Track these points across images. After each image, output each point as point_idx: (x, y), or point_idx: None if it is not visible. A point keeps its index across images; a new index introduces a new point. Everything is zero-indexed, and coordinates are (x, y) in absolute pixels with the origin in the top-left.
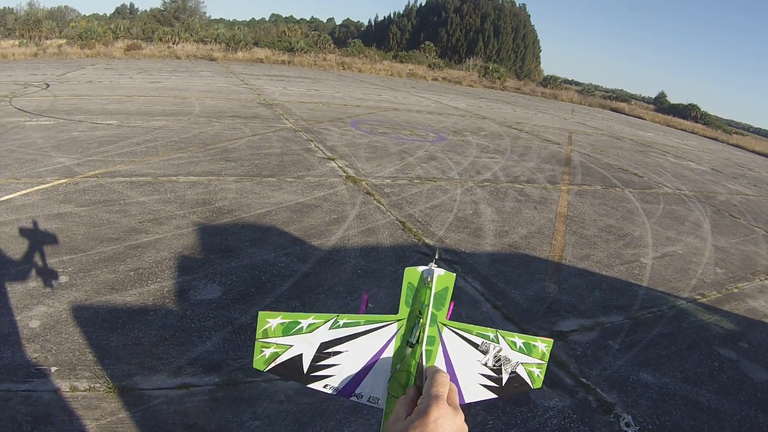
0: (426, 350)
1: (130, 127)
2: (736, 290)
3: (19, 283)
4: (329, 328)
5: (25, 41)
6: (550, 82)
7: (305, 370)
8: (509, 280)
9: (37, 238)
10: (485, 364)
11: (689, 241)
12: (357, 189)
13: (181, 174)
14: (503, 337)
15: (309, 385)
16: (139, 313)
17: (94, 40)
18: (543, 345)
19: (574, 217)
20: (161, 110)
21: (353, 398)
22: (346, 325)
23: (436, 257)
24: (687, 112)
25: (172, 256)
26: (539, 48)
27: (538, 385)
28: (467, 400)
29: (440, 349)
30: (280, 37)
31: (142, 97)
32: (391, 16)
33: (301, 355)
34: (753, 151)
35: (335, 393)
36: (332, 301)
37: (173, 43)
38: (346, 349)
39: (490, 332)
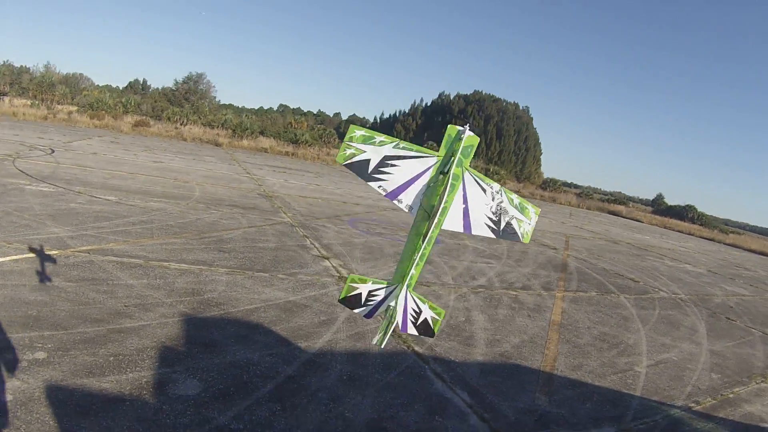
0: (451, 183)
1: (128, 206)
2: (731, 395)
3: None
4: (393, 147)
5: (37, 103)
6: (549, 184)
7: (369, 171)
8: (499, 391)
9: (20, 309)
10: (490, 208)
11: (684, 347)
12: None
13: (173, 260)
14: (505, 193)
15: (368, 183)
16: (114, 402)
17: (104, 112)
18: (533, 210)
19: (568, 325)
20: (161, 192)
21: (395, 201)
22: (404, 148)
23: (470, 124)
24: (684, 213)
25: (154, 345)
26: (540, 151)
27: (527, 240)
28: (474, 233)
29: (461, 186)
30: (286, 128)
31: (143, 175)
32: (397, 114)
33: (369, 160)
34: (749, 250)
35: (384, 194)
36: (314, 407)
37: (181, 124)
38: (400, 164)
39: (496, 186)
